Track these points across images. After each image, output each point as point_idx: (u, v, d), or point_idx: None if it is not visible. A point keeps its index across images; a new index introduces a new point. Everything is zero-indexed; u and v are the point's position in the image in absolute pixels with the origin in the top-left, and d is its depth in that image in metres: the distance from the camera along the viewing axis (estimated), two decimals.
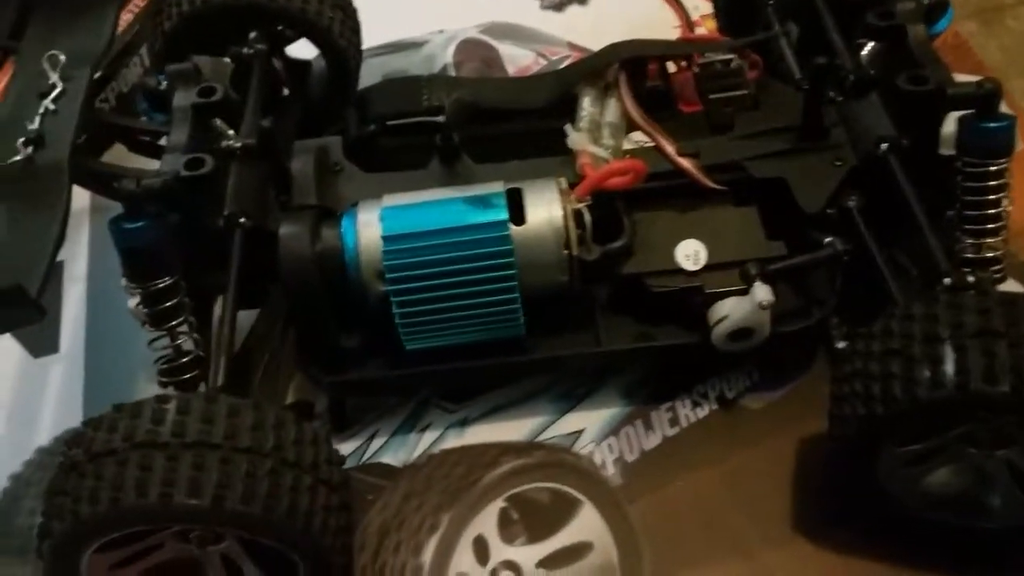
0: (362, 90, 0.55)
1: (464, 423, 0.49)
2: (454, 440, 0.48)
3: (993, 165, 0.42)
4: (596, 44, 0.54)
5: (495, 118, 0.50)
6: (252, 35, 0.52)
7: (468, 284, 0.43)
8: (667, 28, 0.64)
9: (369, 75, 0.63)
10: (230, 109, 0.47)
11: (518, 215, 0.43)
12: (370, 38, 0.65)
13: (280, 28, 0.55)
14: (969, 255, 0.43)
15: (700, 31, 0.62)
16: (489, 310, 0.44)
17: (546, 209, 0.43)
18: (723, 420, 0.48)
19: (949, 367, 0.35)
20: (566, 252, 0.43)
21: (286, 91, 0.56)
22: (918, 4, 0.46)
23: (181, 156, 0.43)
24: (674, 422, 0.48)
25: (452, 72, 0.65)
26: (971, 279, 0.40)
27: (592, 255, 0.44)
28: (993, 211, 0.42)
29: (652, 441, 0.47)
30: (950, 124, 0.43)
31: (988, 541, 0.42)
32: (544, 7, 0.69)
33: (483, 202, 0.43)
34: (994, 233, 0.43)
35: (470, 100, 0.47)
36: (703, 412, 0.48)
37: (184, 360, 0.43)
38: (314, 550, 0.38)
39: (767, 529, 0.44)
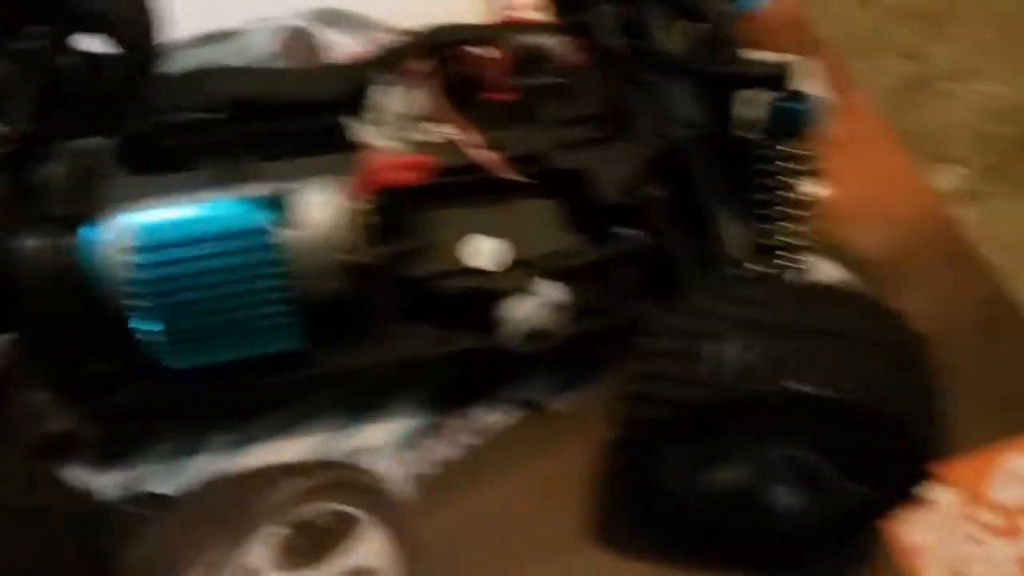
0: (145, 87, 0.51)
1: (243, 445, 0.45)
2: (234, 463, 0.45)
3: (790, 147, 0.40)
4: None
5: (281, 112, 0.46)
6: (33, 29, 0.48)
7: (234, 295, 0.39)
8: (497, 13, 0.61)
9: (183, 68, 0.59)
10: None
11: (288, 218, 0.40)
12: (187, 28, 0.61)
13: (63, 18, 0.51)
14: (768, 242, 0.41)
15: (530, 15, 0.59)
16: (261, 323, 0.40)
17: (319, 211, 0.40)
18: (529, 426, 0.46)
19: (713, 365, 0.33)
20: (342, 256, 0.40)
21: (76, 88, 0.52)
22: None
23: None
24: (473, 431, 0.45)
25: (272, 63, 0.61)
26: (756, 269, 0.38)
27: (373, 259, 0.41)
28: (792, 195, 0.40)
29: (449, 452, 0.45)
30: (757, 107, 0.41)
31: (779, 541, 0.40)
32: None
33: (249, 205, 0.40)
34: (793, 218, 0.41)
35: (247, 93, 0.44)
36: (505, 418, 0.46)
37: None
38: None
39: (570, 537, 0.42)
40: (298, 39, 0.63)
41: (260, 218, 0.39)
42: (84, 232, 0.40)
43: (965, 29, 1.13)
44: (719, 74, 0.40)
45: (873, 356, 0.34)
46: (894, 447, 0.35)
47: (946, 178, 1.00)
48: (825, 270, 0.50)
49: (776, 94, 0.39)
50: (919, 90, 1.06)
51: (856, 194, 0.52)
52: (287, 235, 0.39)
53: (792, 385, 0.33)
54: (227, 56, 0.62)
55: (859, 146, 0.54)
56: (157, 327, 0.39)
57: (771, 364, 0.33)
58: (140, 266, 0.39)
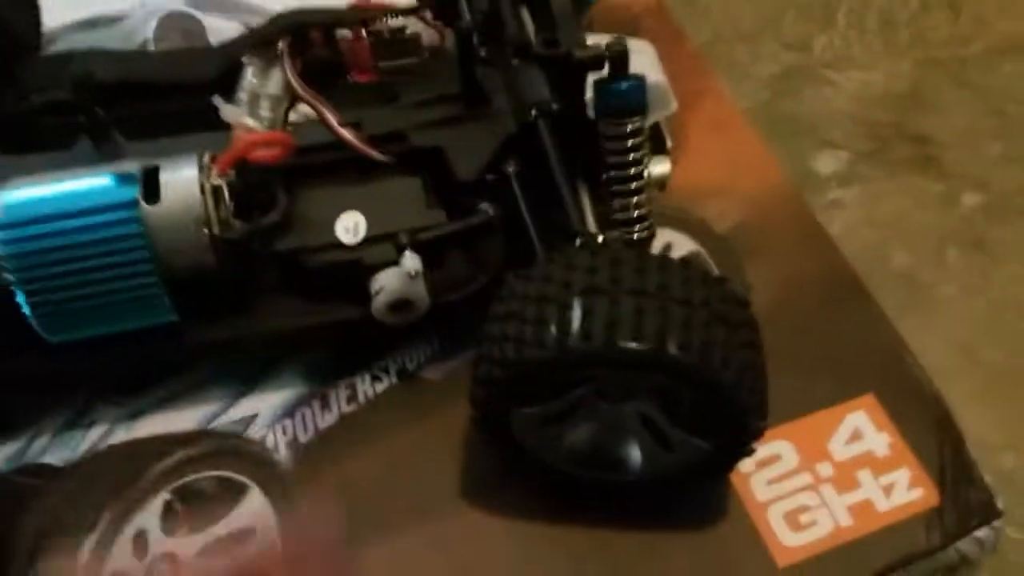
0: (17, 69, 0.51)
1: (134, 416, 0.47)
2: (123, 435, 0.46)
3: (627, 124, 0.42)
4: None
5: (152, 94, 0.47)
6: None
7: (101, 269, 0.41)
8: None
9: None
10: None
11: (152, 194, 0.41)
12: (68, 14, 0.61)
13: None
14: (618, 215, 0.44)
15: None
16: (130, 295, 0.41)
17: (182, 186, 0.42)
18: (403, 393, 0.48)
19: (551, 326, 0.35)
20: (206, 231, 0.42)
21: None
22: None
23: None
24: (351, 399, 0.47)
25: (152, 48, 0.61)
26: (600, 238, 0.41)
27: (236, 233, 0.42)
28: (633, 171, 0.43)
29: (328, 420, 0.47)
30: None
31: (634, 492, 0.43)
32: None
33: (115, 182, 0.41)
34: (636, 192, 0.44)
35: (109, 75, 0.45)
36: (382, 387, 0.48)
37: None
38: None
39: (441, 501, 0.44)
40: (176, 23, 0.64)
41: (124, 194, 0.41)
42: None
43: (847, 19, 1.18)
44: (555, 57, 0.42)
45: (701, 319, 0.36)
46: (722, 404, 0.37)
47: (826, 162, 1.04)
48: (679, 242, 0.53)
49: (604, 76, 0.41)
50: (800, 78, 1.11)
51: (710, 173, 0.55)
52: (150, 210, 0.41)
53: (625, 344, 0.35)
54: (108, 40, 0.62)
55: (714, 129, 0.57)
56: (28, 301, 0.41)
57: (607, 325, 0.35)
58: (6, 242, 0.40)
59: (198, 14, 0.63)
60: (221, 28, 0.63)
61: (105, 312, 0.42)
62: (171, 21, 0.63)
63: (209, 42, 0.62)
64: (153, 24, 0.63)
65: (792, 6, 1.17)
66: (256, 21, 0.63)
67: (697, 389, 0.37)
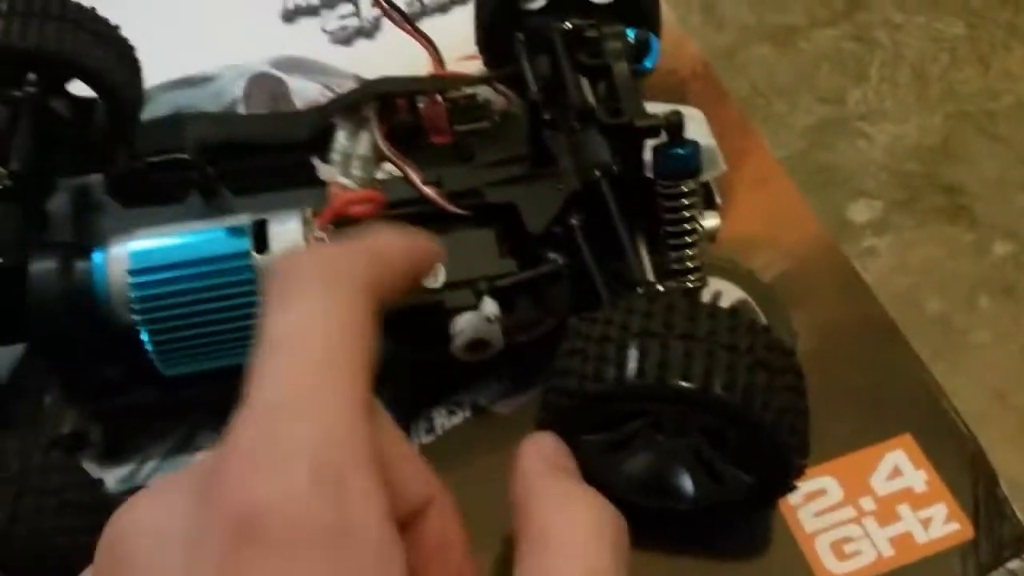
0: (131, 128, 0.57)
1: None
2: None
3: (681, 185, 0.47)
4: (380, 76, 0.57)
5: (253, 152, 0.53)
6: (29, 77, 0.54)
7: (217, 311, 0.46)
8: (448, 63, 0.67)
9: (160, 110, 0.65)
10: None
11: (262, 245, 0.46)
12: (163, 74, 0.67)
13: (53, 69, 0.57)
14: (673, 266, 0.49)
15: (471, 66, 0.66)
16: (239, 334, 0.46)
17: (289, 238, 0.47)
18: (476, 426, 0.52)
19: (610, 363, 0.40)
20: None
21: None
22: (624, 44, 0.51)
23: None
24: (429, 431, 0.52)
25: (241, 106, 0.67)
26: (659, 287, 0.45)
27: None
28: (687, 226, 0.48)
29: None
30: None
31: (687, 519, 0.47)
32: (334, 41, 0.72)
33: (229, 234, 0.46)
34: (690, 245, 0.48)
35: (220, 136, 0.50)
36: (457, 420, 0.52)
37: None
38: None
39: (509, 521, 0.48)
40: (263, 84, 0.70)
41: (237, 245, 0.46)
42: (89, 256, 0.46)
43: (880, 73, 1.23)
44: (617, 125, 0.47)
45: (745, 363, 0.40)
46: (763, 443, 0.41)
47: (860, 211, 1.09)
48: (728, 291, 0.57)
49: (663, 141, 0.46)
50: (835, 130, 1.16)
51: (755, 226, 0.60)
52: (261, 260, 0.46)
53: (675, 382, 0.39)
54: (200, 99, 0.68)
55: (757, 184, 0.62)
56: (151, 339, 0.46)
57: (659, 365, 0.39)
58: (135, 286, 0.45)
59: (282, 75, 0.69)
60: (303, 88, 0.69)
61: (216, 349, 0.47)
62: (258, 82, 0.69)
63: (292, 101, 0.68)
64: (242, 84, 0.69)
65: (826, 61, 1.22)
66: (333, 82, 0.69)
67: (740, 428, 0.41)
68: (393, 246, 0.34)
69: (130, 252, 0.46)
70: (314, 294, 0.28)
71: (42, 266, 0.46)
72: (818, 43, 1.27)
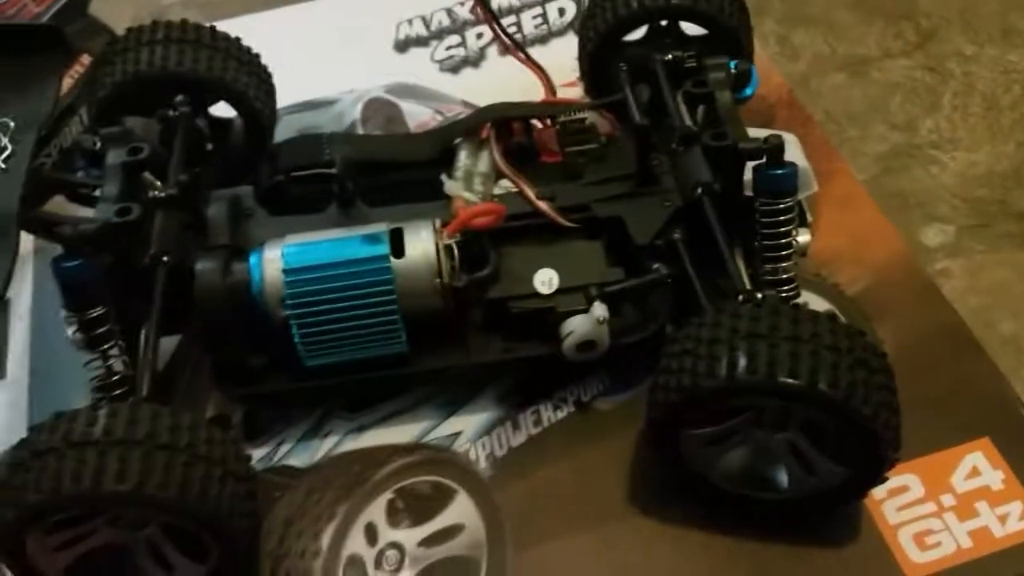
0: (273, 145, 0.63)
1: (361, 429, 0.57)
2: (351, 444, 0.56)
3: (780, 203, 0.52)
4: (486, 102, 0.63)
5: (385, 169, 0.58)
6: (178, 98, 0.60)
7: (357, 308, 0.51)
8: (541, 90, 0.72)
9: (287, 130, 0.72)
10: (156, 164, 0.55)
11: (399, 250, 0.52)
12: (288, 97, 0.74)
13: (202, 92, 0.63)
14: (768, 277, 0.53)
15: (571, 92, 0.71)
16: (376, 330, 0.52)
17: (422, 245, 0.52)
18: (579, 420, 0.57)
19: (722, 362, 0.44)
20: (439, 280, 0.52)
21: (210, 146, 0.64)
22: (727, 74, 0.56)
23: (112, 205, 0.51)
24: (537, 423, 0.57)
25: (359, 127, 0.73)
26: (759, 295, 0.50)
27: (461, 283, 0.53)
28: (784, 240, 0.52)
29: (519, 439, 0.56)
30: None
31: (782, 509, 0.51)
32: (442, 69, 0.78)
33: (369, 239, 0.52)
34: (785, 259, 0.53)
35: (361, 154, 0.56)
36: (562, 414, 0.57)
37: (114, 378, 0.50)
38: (222, 531, 0.45)
39: (611, 508, 0.53)
40: (379, 107, 0.76)
41: (378, 250, 0.52)
42: (246, 257, 0.52)
43: (952, 102, 1.25)
44: (723, 148, 0.52)
45: (847, 362, 0.44)
46: (861, 436, 0.45)
47: (933, 235, 1.11)
48: (816, 304, 0.61)
49: (763, 163, 0.51)
50: (907, 156, 1.18)
51: (841, 243, 0.64)
52: (397, 263, 0.52)
53: (784, 379, 0.43)
54: (322, 120, 0.75)
55: (843, 204, 0.66)
56: (299, 332, 0.51)
57: (768, 363, 0.44)
58: (288, 283, 0.51)
59: (396, 100, 0.75)
60: (415, 112, 0.75)
61: (355, 342, 0.52)
62: (374, 105, 0.75)
63: (406, 123, 0.74)
64: (359, 107, 0.75)
65: (899, 91, 1.25)
66: (442, 107, 0.75)
67: (841, 421, 0.45)
68: None
69: (283, 253, 0.52)
70: None
71: (206, 266, 0.52)
72: (891, 73, 1.29)
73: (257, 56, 0.65)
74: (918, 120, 1.22)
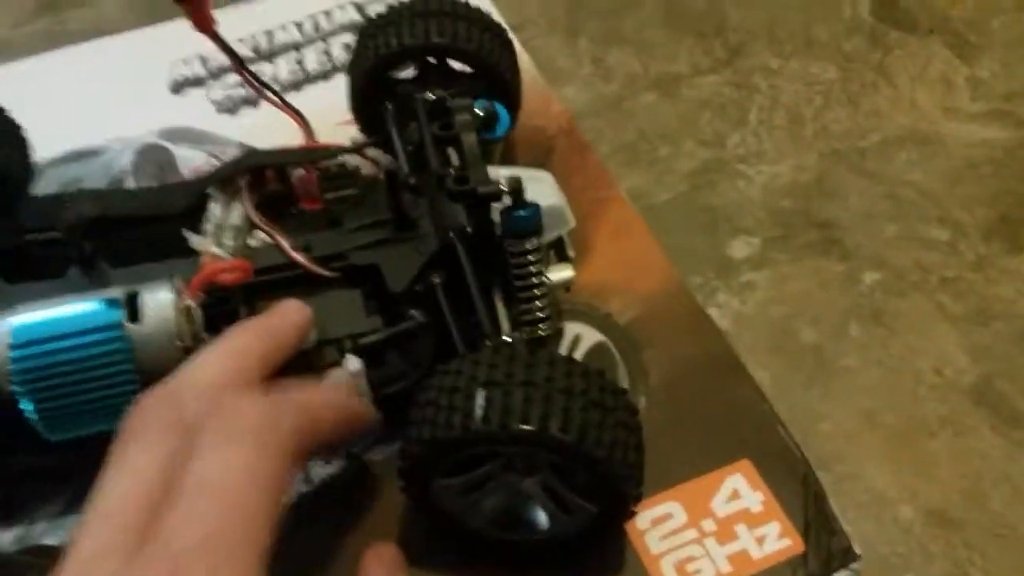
0: (21, 204, 0.60)
1: None
2: None
3: (526, 244, 0.52)
4: (265, 143, 0.61)
5: (130, 226, 0.56)
6: None
7: (94, 380, 0.49)
8: (328, 128, 0.71)
9: (50, 184, 0.68)
10: None
11: (134, 314, 0.50)
12: (53, 148, 0.70)
13: None
14: (525, 317, 0.53)
15: (350, 130, 0.70)
16: (117, 400, 0.49)
17: (160, 307, 0.50)
18: (351, 474, 0.56)
19: (458, 412, 0.44)
20: (179, 344, 0.50)
21: None
22: (472, 117, 0.56)
23: None
24: (307, 480, 0.55)
25: (131, 176, 0.70)
26: (506, 339, 0.50)
27: (205, 346, 0.51)
28: (533, 280, 0.53)
29: (288, 499, 0.54)
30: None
31: (544, 549, 0.51)
32: (220, 110, 0.76)
33: (103, 305, 0.50)
34: (537, 298, 0.53)
35: (106, 211, 0.54)
36: (333, 468, 0.56)
37: None
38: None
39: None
40: (150, 154, 0.73)
41: (111, 316, 0.49)
42: None
43: (758, 117, 1.30)
44: (463, 192, 0.52)
45: (579, 404, 0.44)
46: (600, 475, 0.45)
47: (740, 248, 1.15)
48: (587, 334, 0.62)
49: (507, 205, 0.51)
50: (716, 172, 1.22)
51: (613, 273, 0.65)
52: (134, 329, 0.49)
53: (516, 426, 0.44)
54: (89, 171, 0.71)
55: (616, 233, 0.67)
56: (33, 408, 0.48)
57: (502, 411, 0.44)
58: (16, 360, 0.48)
59: (169, 145, 0.73)
60: (190, 157, 0.72)
61: (96, 414, 0.50)
62: (146, 152, 0.72)
63: (179, 170, 0.72)
64: (130, 155, 0.72)
65: (708, 107, 1.29)
66: (218, 150, 0.73)
67: (579, 463, 0.45)
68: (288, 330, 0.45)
69: (12, 327, 0.49)
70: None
71: None
72: (700, 90, 1.34)
73: (1, 110, 0.62)
74: (726, 135, 1.28)
